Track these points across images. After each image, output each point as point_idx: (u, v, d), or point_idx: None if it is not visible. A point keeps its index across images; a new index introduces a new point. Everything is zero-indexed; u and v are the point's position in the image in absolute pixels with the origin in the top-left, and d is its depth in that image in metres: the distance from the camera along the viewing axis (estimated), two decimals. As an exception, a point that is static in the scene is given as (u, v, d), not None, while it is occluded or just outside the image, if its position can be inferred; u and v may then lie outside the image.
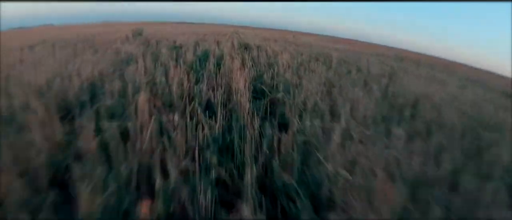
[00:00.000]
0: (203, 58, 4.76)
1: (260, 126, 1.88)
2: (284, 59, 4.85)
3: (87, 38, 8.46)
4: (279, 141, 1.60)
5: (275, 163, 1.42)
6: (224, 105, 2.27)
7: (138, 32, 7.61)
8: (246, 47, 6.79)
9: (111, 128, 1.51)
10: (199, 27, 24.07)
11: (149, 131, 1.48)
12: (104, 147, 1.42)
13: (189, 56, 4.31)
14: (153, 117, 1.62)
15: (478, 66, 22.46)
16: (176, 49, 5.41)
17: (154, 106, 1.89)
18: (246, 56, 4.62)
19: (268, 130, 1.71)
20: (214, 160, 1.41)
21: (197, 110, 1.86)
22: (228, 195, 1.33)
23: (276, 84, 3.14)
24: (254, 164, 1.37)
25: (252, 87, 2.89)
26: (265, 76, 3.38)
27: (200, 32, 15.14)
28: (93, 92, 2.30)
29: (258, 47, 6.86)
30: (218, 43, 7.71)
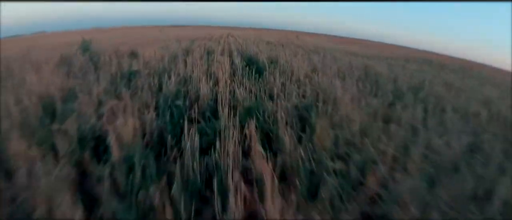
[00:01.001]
0: (172, 113, 2.10)
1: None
2: (352, 111, 2.22)
3: (29, 53, 5.80)
4: None
5: None
6: None
7: (85, 46, 4.92)
8: (252, 65, 4.14)
9: None
10: (191, 30, 21.38)
11: None
12: None
13: (133, 125, 1.65)
14: None
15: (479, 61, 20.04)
16: (124, 81, 2.75)
17: None
18: (280, 115, 1.94)
19: None
20: None
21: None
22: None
23: None
24: None
25: None
26: None
27: (188, 36, 12.44)
28: None
29: (271, 62, 4.22)
30: (208, 54, 5.06)
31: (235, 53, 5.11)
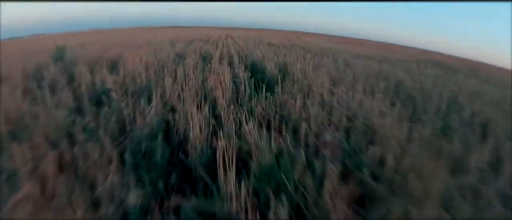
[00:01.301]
0: None
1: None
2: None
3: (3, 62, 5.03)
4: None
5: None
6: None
7: (58, 54, 4.14)
8: (258, 74, 3.37)
9: None
10: (188, 31, 20.61)
11: None
12: None
13: None
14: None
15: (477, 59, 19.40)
16: (89, 108, 1.97)
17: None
18: None
19: None
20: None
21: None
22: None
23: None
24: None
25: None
26: None
27: (185, 37, 11.63)
28: None
29: (280, 71, 3.45)
30: (204, 61, 4.30)
31: (235, 59, 4.34)
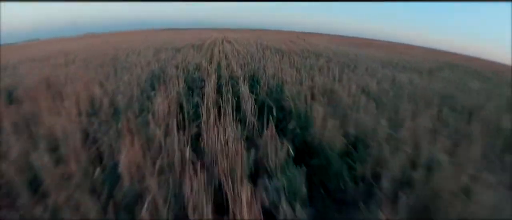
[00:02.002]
0: None
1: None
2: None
3: None
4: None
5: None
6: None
7: None
8: (284, 117, 1.67)
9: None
10: (182, 34, 18.75)
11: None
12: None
13: None
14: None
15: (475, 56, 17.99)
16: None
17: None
18: None
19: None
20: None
21: None
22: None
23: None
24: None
25: None
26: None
27: (176, 41, 9.83)
28: None
29: (345, 125, 1.74)
30: (191, 98, 2.59)
31: (244, 89, 2.60)
